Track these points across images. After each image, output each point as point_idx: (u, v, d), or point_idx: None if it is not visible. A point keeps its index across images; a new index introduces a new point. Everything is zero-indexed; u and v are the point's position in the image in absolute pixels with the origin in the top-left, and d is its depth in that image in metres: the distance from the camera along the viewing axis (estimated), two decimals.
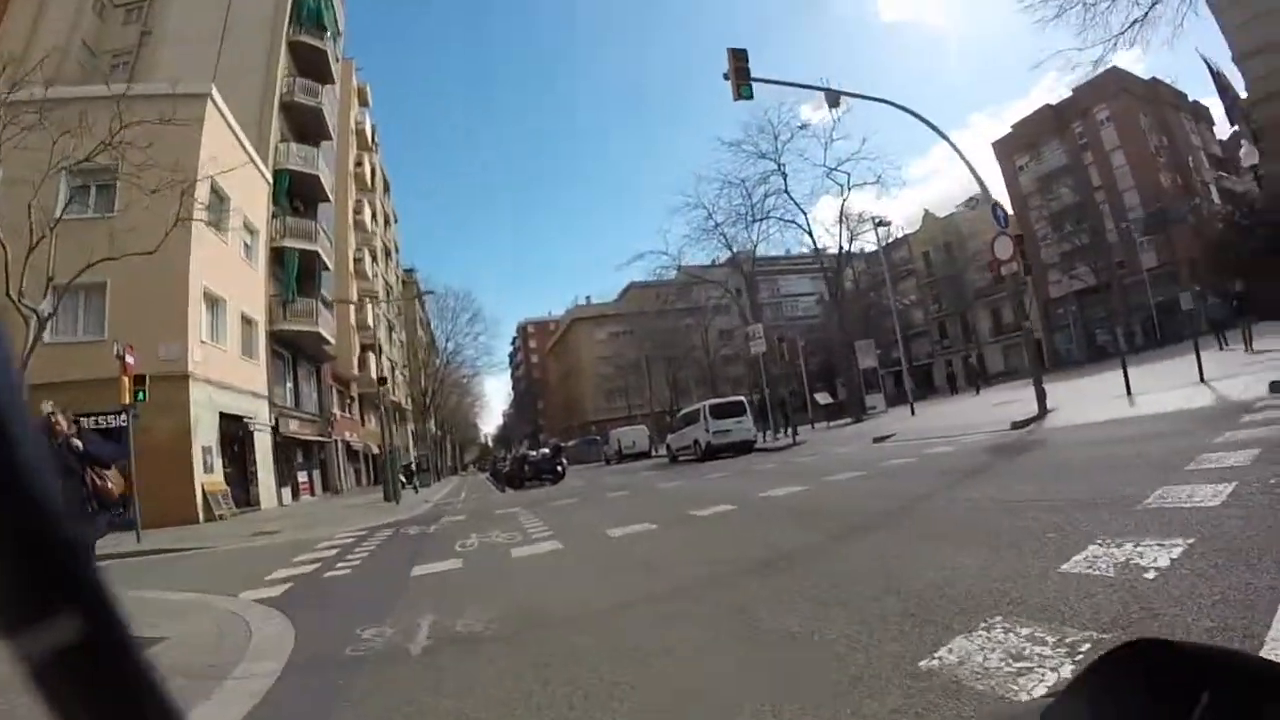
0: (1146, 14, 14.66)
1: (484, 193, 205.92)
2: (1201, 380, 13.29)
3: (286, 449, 29.95)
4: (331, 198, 36.46)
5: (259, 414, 25.99)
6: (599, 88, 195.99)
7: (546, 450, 29.80)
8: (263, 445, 26.34)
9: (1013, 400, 20.86)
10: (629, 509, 11.79)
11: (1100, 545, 4.16)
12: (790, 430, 28.55)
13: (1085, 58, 15.04)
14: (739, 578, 5.24)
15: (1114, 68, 52.94)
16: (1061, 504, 5.57)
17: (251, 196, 26.62)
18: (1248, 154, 21.11)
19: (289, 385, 31.59)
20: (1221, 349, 20.17)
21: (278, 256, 30.04)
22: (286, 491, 28.98)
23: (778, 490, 10.38)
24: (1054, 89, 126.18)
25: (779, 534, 6.83)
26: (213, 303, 23.47)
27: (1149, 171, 53.97)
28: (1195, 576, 3.34)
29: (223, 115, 24.25)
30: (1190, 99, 61.73)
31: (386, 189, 58.64)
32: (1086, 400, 15.31)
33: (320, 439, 34.67)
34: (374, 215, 48.93)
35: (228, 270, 24.40)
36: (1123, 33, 14.66)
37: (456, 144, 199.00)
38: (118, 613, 0.36)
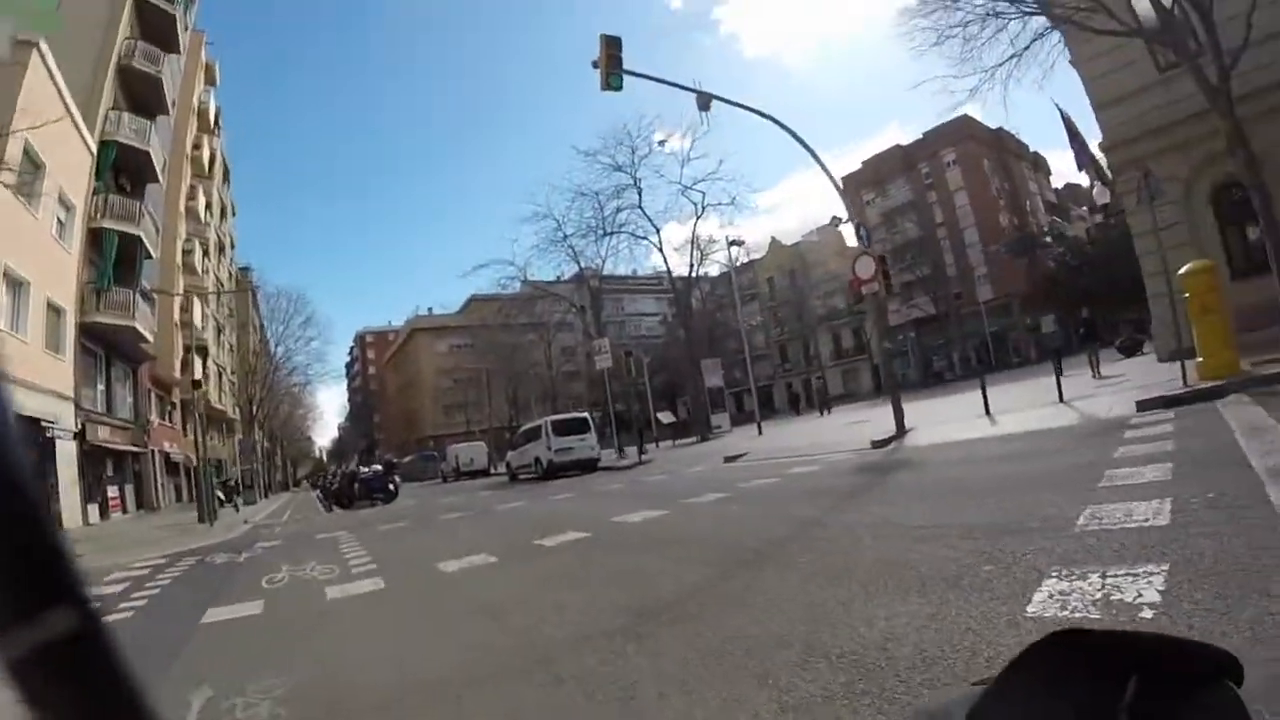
0: (1024, 50, 15.25)
1: (329, 194, 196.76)
2: (1061, 400, 13.56)
3: (95, 459, 26.33)
4: (163, 179, 32.91)
5: (62, 418, 22.58)
6: (455, 89, 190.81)
7: (379, 467, 28.00)
8: (65, 454, 22.86)
9: (863, 420, 21.16)
10: (466, 536, 10.67)
11: (1059, 579, 3.55)
12: (640, 448, 27.72)
13: (961, 85, 15.24)
14: (612, 638, 4.01)
15: (965, 115, 56.52)
16: (980, 529, 4.97)
17: (71, 166, 23.51)
18: (1100, 193, 22.21)
19: (100, 387, 27.90)
20: (1060, 374, 20.51)
21: (95, 239, 26.50)
22: (94, 508, 25.46)
23: (633, 515, 9.26)
24: (898, 135, 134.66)
25: (650, 572, 5.65)
26: (14, 285, 20.31)
27: (990, 212, 59.21)
28: (1207, 611, 2.81)
29: (48, 68, 20.93)
30: (1031, 150, 68.92)
31: (226, 178, 54.17)
32: (942, 420, 15.48)
33: (135, 449, 30.89)
34: (209, 204, 44.95)
35: (35, 248, 21.21)
36: (1000, 65, 14.91)
37: (305, 141, 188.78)
38: (96, 612, 0.36)
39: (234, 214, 58.51)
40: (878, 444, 13.45)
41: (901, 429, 14.38)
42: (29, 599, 0.34)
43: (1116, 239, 52.66)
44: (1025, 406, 14.09)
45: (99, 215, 26.39)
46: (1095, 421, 10.37)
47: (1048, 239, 60.50)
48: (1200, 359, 11.36)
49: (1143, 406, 10.42)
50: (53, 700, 0.35)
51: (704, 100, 16.23)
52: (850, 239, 65.00)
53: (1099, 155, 22.08)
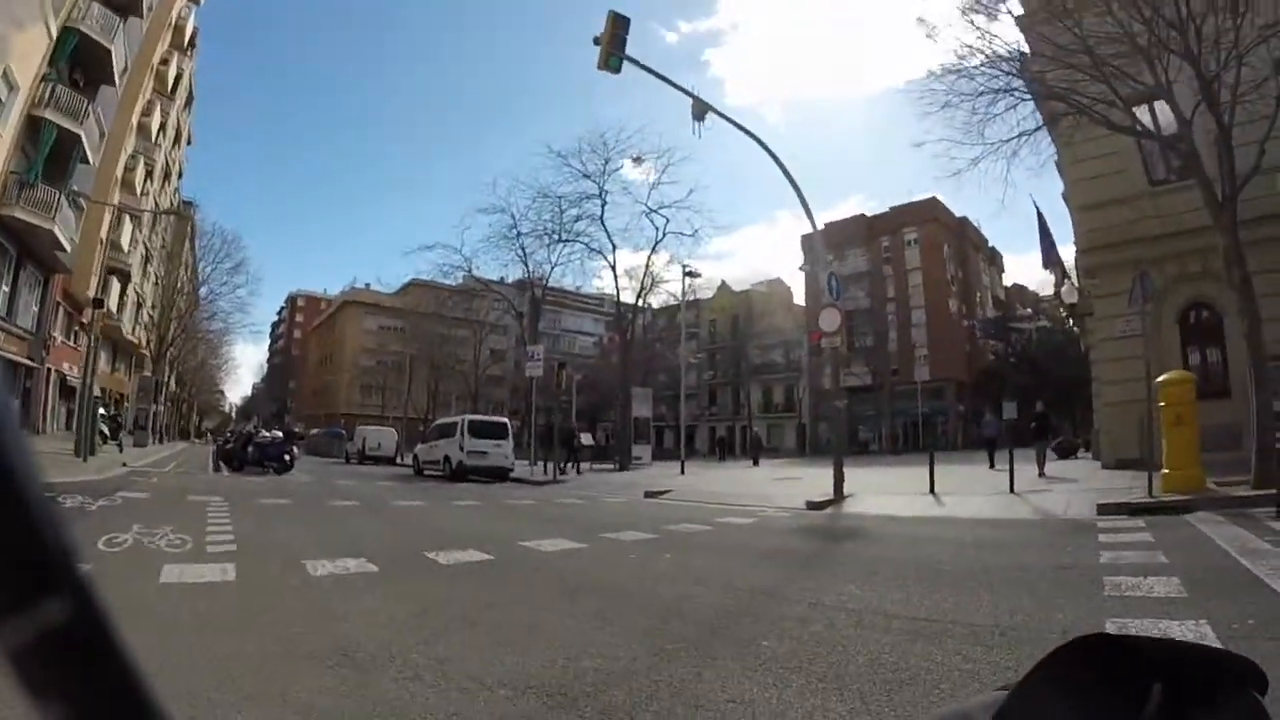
0: (1034, 132, 14.76)
1: (290, 142, 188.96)
2: (1012, 490, 13.16)
3: None
4: (120, 85, 30.70)
5: None
6: (442, 61, 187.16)
7: (279, 433, 26.20)
8: None
9: (792, 477, 20.78)
10: (350, 530, 9.39)
11: None
12: (574, 466, 26.88)
13: (964, 154, 14.89)
14: None
15: (933, 197, 58.23)
16: (987, 631, 4.25)
17: (25, 46, 21.57)
18: (1068, 292, 22.33)
19: (4, 288, 25.57)
20: (992, 466, 19.78)
21: (32, 127, 24.30)
22: None
23: (545, 542, 8.09)
24: (860, 208, 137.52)
25: (565, 632, 4.40)
26: None
27: (940, 295, 60.16)
28: None
29: None
30: (990, 244, 70.98)
31: (189, 104, 51.33)
32: (880, 490, 14.99)
33: (29, 362, 28.49)
34: (164, 125, 42.28)
35: None
36: (1007, 141, 14.34)
37: (277, 83, 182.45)
38: (97, 600, 0.36)
39: (189, 142, 55.55)
40: (814, 505, 12.88)
41: (840, 493, 13.75)
42: (27, 587, 0.34)
43: (1060, 343, 55.07)
44: (970, 491, 13.91)
45: (42, 104, 24.27)
46: (1056, 519, 10.07)
47: (986, 335, 62.68)
48: (1165, 471, 11.06)
49: (1104, 510, 10.14)
50: (53, 689, 0.34)
51: (700, 109, 15.34)
52: (799, 296, 67.14)
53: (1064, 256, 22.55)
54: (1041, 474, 16.45)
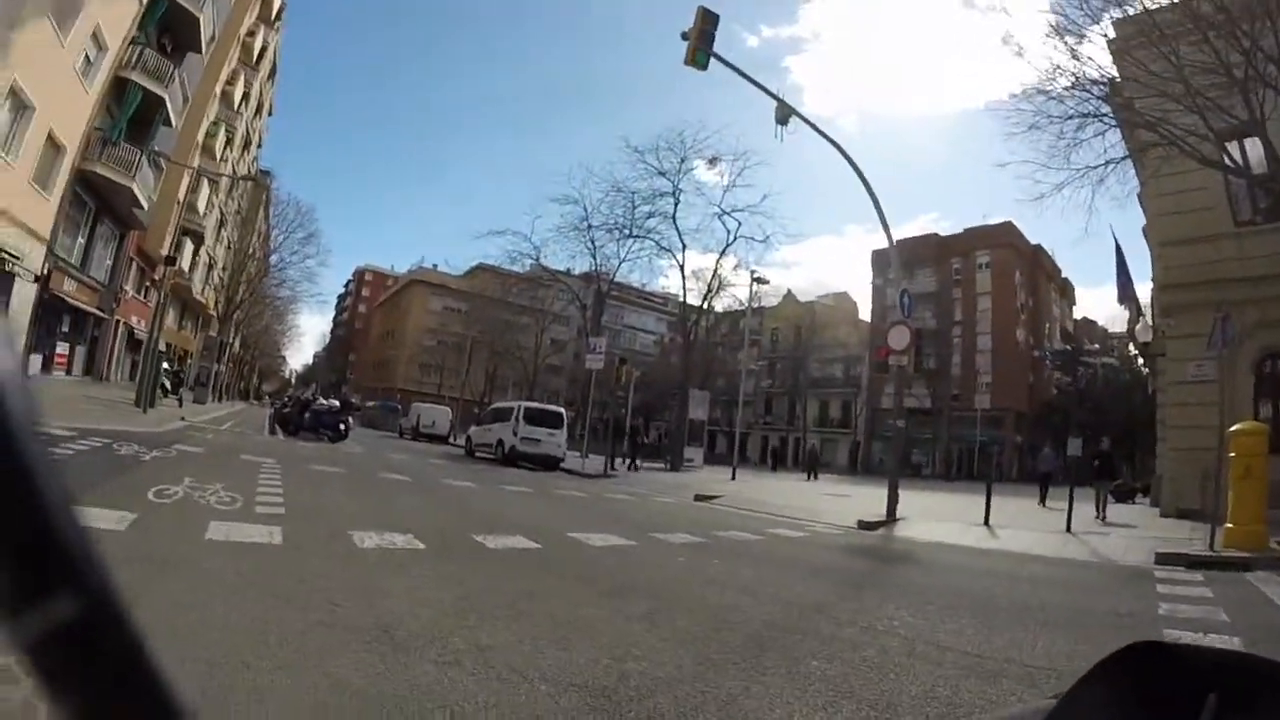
0: (1121, 160, 14.57)
1: (372, 121, 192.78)
2: (1069, 530, 12.80)
3: (53, 311, 24.89)
4: (206, 53, 31.53)
5: (30, 257, 21.16)
6: (527, 42, 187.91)
7: (335, 402, 26.11)
8: (22, 295, 21.42)
9: (842, 494, 20.48)
10: (399, 505, 9.35)
11: None
12: (631, 461, 26.85)
13: (1049, 178, 14.55)
14: None
15: (1008, 222, 57.24)
16: (1045, 674, 4.08)
17: (115, 8, 22.11)
18: (1143, 331, 21.58)
19: (81, 240, 26.39)
20: (1043, 503, 19.28)
21: (119, 88, 25.08)
22: (37, 359, 24.04)
23: (593, 536, 8.02)
24: (932, 227, 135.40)
25: (611, 630, 4.28)
26: (19, 106, 18.88)
27: (1008, 323, 58.88)
28: None
29: None
30: (1063, 275, 69.31)
31: (272, 75, 52.47)
32: (932, 515, 14.75)
33: (99, 313, 29.44)
34: (247, 95, 43.21)
35: (51, 75, 19.71)
36: (1093, 168, 14.18)
37: (365, 61, 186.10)
38: (115, 591, 0.36)
39: (270, 113, 56.84)
40: (866, 525, 12.70)
41: (893, 515, 13.57)
42: (44, 580, 0.34)
43: (1126, 382, 53.50)
44: (1025, 526, 13.57)
45: (129, 65, 25.01)
46: (1113, 564, 9.82)
47: (1055, 368, 61.04)
48: (1229, 525, 10.59)
49: (1163, 560, 9.82)
50: (69, 682, 0.34)
51: (784, 112, 15.14)
52: (864, 312, 66.32)
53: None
54: (1101, 517, 15.81)
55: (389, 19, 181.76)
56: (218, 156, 39.24)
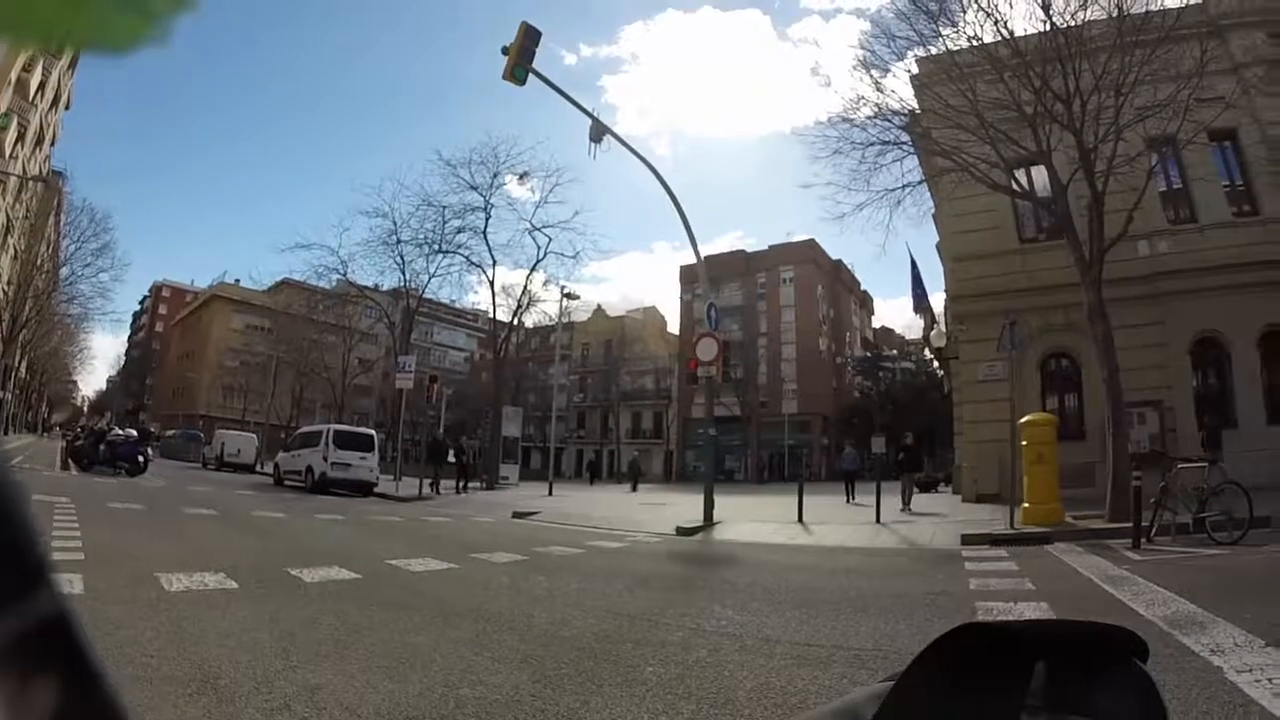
0: (917, 184, 15.80)
1: (175, 124, 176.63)
2: (879, 521, 13.70)
3: None
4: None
5: None
6: (339, 47, 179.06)
7: (133, 432, 24.42)
8: None
9: (660, 503, 20.82)
10: (208, 542, 8.86)
11: None
12: (462, 484, 25.81)
13: (850, 199, 15.66)
14: None
15: (811, 240, 60.93)
16: (868, 654, 4.43)
17: None
18: (936, 337, 23.55)
19: None
20: (849, 500, 19.89)
21: None
22: None
23: (414, 561, 7.84)
24: (737, 244, 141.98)
25: (438, 657, 4.18)
26: None
27: (812, 333, 62.84)
28: None
29: None
30: (862, 287, 75.22)
31: (74, 64, 47.59)
32: (749, 517, 15.16)
33: None
34: (44, 85, 39.17)
35: None
36: (891, 191, 15.21)
37: (171, 59, 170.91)
38: (66, 604, 0.36)
39: (69, 106, 51.52)
40: (685, 531, 13.03)
41: (710, 519, 13.89)
42: (7, 591, 0.33)
43: (922, 384, 58.29)
44: (837, 522, 14.32)
45: None
46: (922, 549, 10.51)
47: (857, 374, 66.22)
48: (1026, 505, 11.82)
49: (969, 540, 10.70)
50: (23, 690, 0.33)
51: (599, 131, 15.40)
52: (673, 325, 68.33)
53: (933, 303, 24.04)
54: (906, 507, 16.49)
55: (198, 13, 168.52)
56: (7, 153, 35.27)
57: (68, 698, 0.34)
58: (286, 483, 23.77)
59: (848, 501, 19.65)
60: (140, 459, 21.89)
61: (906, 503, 16.80)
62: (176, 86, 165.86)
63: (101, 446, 21.88)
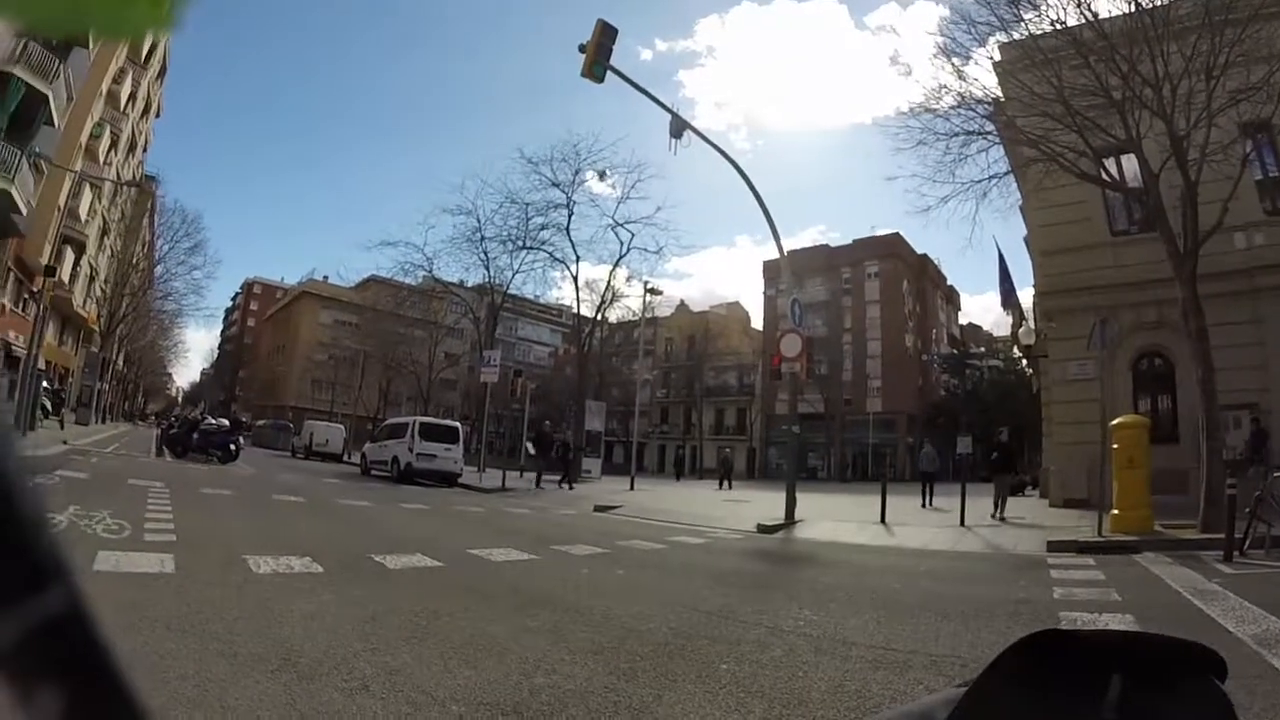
0: (1004, 175, 15.24)
1: (262, 129, 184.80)
2: (963, 524, 13.31)
3: None
4: (93, 48, 29.76)
5: None
6: (423, 52, 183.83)
7: (225, 421, 25.32)
8: None
9: (741, 499, 20.66)
10: (295, 527, 9.09)
11: None
12: (565, 478, 24.96)
13: (935, 192, 15.22)
14: None
15: (896, 233, 59.76)
16: (947, 661, 4.27)
17: None
18: (1025, 334, 22.70)
19: None
20: (926, 504, 18.35)
21: (0, 82, 23.41)
22: None
23: (495, 551, 7.91)
24: (819, 239, 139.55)
25: (517, 646, 4.21)
26: None
27: (897, 330, 61.37)
28: None
29: None
30: (948, 282, 73.20)
31: (162, 75, 50.05)
32: (831, 516, 15.03)
33: None
34: (135, 95, 41.06)
35: None
36: (977, 182, 14.74)
37: (256, 66, 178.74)
38: (83, 599, 0.36)
39: (159, 115, 54.11)
40: (765, 528, 12.81)
41: (791, 517, 13.76)
42: (13, 586, 0.34)
43: (1010, 383, 56.30)
44: (920, 522, 14.04)
45: (13, 59, 23.43)
46: (1007, 554, 10.16)
47: (943, 372, 64.15)
48: (1115, 511, 11.32)
49: (1054, 547, 10.33)
50: (39, 689, 0.34)
51: (679, 126, 15.34)
52: (757, 321, 67.71)
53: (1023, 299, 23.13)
54: (998, 514, 14.84)
55: (284, 20, 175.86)
56: (101, 159, 37.15)
57: (87, 696, 0.35)
58: (373, 472, 24.33)
59: (923, 505, 18.27)
60: (232, 447, 22.57)
61: (998, 509, 14.89)
62: (269, 92, 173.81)
63: (195, 435, 22.64)
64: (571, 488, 23.74)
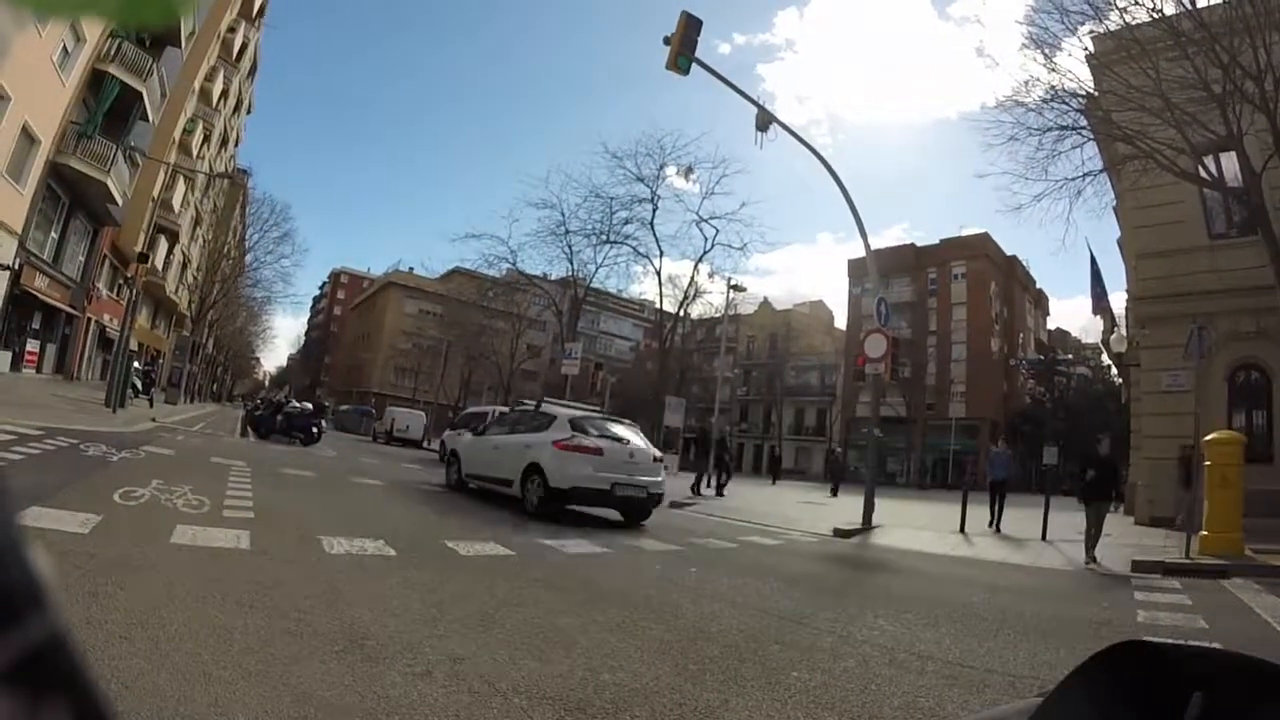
0: (1099, 173, 14.80)
1: (351, 123, 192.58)
2: (1044, 538, 12.96)
3: (24, 307, 24.45)
4: (185, 48, 31.11)
5: (0, 251, 20.73)
6: (508, 54, 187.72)
7: (308, 405, 25.81)
8: None
9: (818, 502, 20.46)
10: (371, 510, 9.19)
11: None
12: (721, 483, 21.17)
13: (1027, 189, 14.67)
14: None
15: (984, 233, 57.93)
16: (1023, 682, 4.11)
17: None
18: (1117, 341, 21.71)
19: (54, 235, 25.91)
20: (992, 524, 14.73)
21: (96, 81, 24.65)
22: (6, 356, 23.62)
23: (566, 543, 7.86)
24: (903, 237, 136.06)
25: (583, 640, 4.17)
26: None
27: (983, 333, 59.10)
28: None
29: None
30: (1037, 285, 70.34)
31: (252, 73, 51.94)
32: (909, 523, 14.77)
33: (71, 310, 28.94)
34: (226, 92, 42.71)
35: (28, 67, 19.41)
36: (1071, 180, 14.32)
37: (343, 63, 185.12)
38: (64, 629, 0.36)
39: (249, 111, 56.17)
40: (842, 533, 12.61)
41: (869, 522, 13.50)
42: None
43: (1099, 392, 54.09)
44: (999, 537, 13.63)
45: (108, 58, 24.62)
46: (1089, 572, 9.78)
47: (1030, 377, 61.70)
48: (1204, 532, 10.70)
49: (1139, 567, 9.92)
50: (19, 716, 0.33)
51: (764, 119, 15.09)
52: (839, 320, 66.61)
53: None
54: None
55: (371, 19, 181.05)
56: (194, 153, 38.78)
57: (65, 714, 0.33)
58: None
59: (990, 525, 14.62)
60: (314, 430, 23.07)
61: (1091, 549, 10.52)
62: (361, 89, 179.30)
63: (279, 417, 23.25)
64: (723, 493, 20.12)
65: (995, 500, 15.14)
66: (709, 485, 20.32)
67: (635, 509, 11.44)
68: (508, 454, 12.04)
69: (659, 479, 11.68)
